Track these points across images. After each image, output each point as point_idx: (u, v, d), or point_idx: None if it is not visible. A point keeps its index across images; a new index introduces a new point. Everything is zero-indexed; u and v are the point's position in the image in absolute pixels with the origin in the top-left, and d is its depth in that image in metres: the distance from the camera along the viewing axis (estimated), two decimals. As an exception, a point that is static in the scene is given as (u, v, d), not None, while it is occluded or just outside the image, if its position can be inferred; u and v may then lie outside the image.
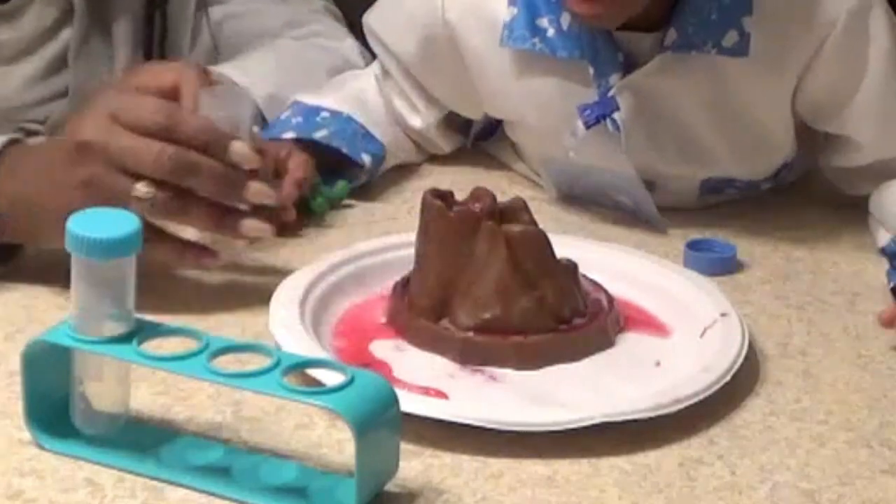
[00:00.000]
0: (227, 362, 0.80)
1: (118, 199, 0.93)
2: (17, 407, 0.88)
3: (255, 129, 1.18)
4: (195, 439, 0.84)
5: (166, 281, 1.06)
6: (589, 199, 1.27)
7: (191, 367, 0.78)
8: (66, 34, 1.31)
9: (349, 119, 1.29)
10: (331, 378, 0.79)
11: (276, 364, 0.78)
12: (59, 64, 1.31)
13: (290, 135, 1.24)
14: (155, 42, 1.35)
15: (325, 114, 1.28)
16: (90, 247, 0.79)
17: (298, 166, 1.20)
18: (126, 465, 0.81)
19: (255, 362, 0.80)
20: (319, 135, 1.25)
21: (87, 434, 0.83)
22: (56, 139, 0.98)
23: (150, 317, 0.98)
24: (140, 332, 0.81)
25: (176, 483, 0.80)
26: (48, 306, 1.00)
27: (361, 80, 1.35)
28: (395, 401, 0.78)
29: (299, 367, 0.80)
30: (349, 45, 1.43)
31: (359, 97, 1.33)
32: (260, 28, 1.41)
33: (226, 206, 0.99)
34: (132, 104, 0.97)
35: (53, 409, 0.83)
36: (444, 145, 1.38)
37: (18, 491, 0.79)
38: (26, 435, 0.84)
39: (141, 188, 0.95)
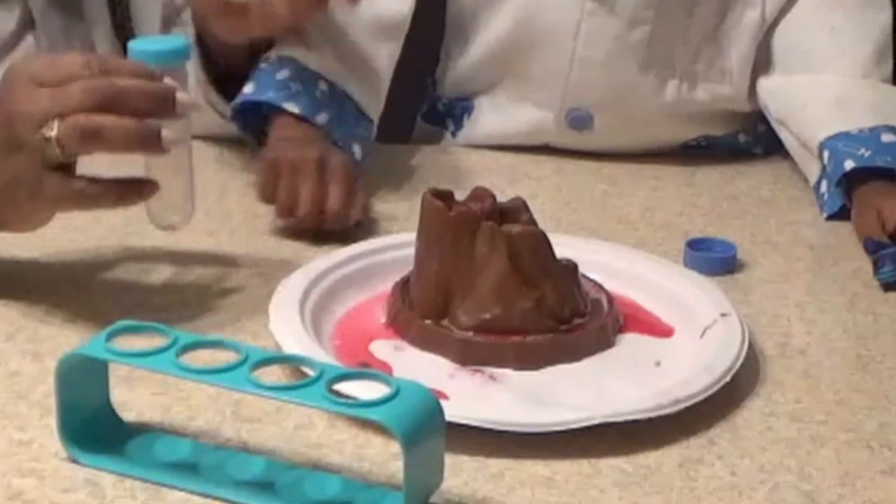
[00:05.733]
0: (268, 374, 0.79)
1: (37, 153, 0.90)
2: (18, 407, 0.88)
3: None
4: (234, 453, 0.83)
5: (166, 281, 1.07)
6: None
7: (232, 379, 0.77)
8: (21, 47, 1.30)
9: (345, 97, 1.25)
10: (368, 390, 0.78)
11: (320, 376, 0.77)
12: None
13: (293, 108, 1.21)
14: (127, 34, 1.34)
15: (323, 86, 1.24)
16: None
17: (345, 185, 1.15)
18: (163, 479, 0.80)
19: (295, 373, 0.80)
20: (322, 119, 1.22)
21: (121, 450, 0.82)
22: None
23: (149, 318, 0.98)
24: (177, 343, 0.79)
25: (219, 498, 0.79)
26: (48, 305, 1.00)
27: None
28: (440, 411, 0.77)
29: (343, 378, 0.78)
30: None
31: (348, 53, 1.29)
32: None
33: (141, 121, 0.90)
34: (53, 63, 0.92)
35: (87, 423, 0.82)
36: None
37: (18, 491, 0.79)
38: (26, 435, 0.84)
39: (47, 130, 0.89)
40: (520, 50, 1.36)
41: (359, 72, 1.29)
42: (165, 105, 0.91)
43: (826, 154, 1.27)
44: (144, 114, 0.90)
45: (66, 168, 0.92)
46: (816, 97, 1.32)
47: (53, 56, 0.94)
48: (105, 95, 0.89)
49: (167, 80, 0.92)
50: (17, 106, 0.91)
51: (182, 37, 1.00)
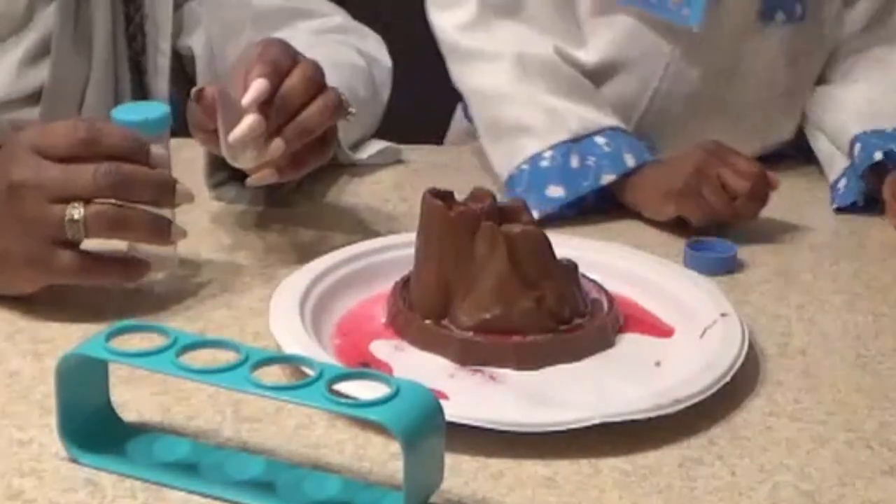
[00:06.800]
0: (269, 374, 0.79)
1: (53, 228, 0.94)
2: (18, 407, 0.88)
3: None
4: (234, 453, 0.83)
5: (166, 282, 1.06)
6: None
7: (232, 379, 0.77)
8: (40, 24, 1.30)
9: (618, 131, 1.26)
10: (368, 390, 0.78)
11: (320, 376, 0.77)
12: (33, 58, 1.31)
13: (608, 177, 1.22)
14: (130, 39, 1.34)
15: (599, 139, 1.25)
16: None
17: None
18: (163, 479, 0.80)
19: (295, 373, 0.81)
20: (631, 161, 1.23)
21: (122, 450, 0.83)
22: None
23: (149, 318, 0.98)
24: (177, 343, 0.80)
25: (219, 498, 0.79)
26: (48, 306, 1.00)
27: (551, 65, 1.29)
28: (440, 411, 0.77)
29: (343, 378, 0.78)
30: (373, 39, 1.40)
31: (588, 88, 1.30)
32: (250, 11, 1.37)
33: (156, 213, 0.99)
34: (48, 132, 0.96)
35: (87, 423, 0.83)
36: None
37: (18, 491, 0.79)
38: (26, 435, 0.85)
39: (72, 211, 0.94)
40: (607, 74, 1.33)
41: (603, 106, 1.29)
42: (167, 195, 0.98)
43: (857, 146, 1.28)
44: (148, 202, 0.97)
45: (72, 243, 0.96)
46: (853, 97, 1.34)
47: (45, 124, 0.98)
48: (115, 182, 0.95)
49: (153, 148, 0.98)
50: (21, 176, 0.95)
51: (161, 105, 1.04)
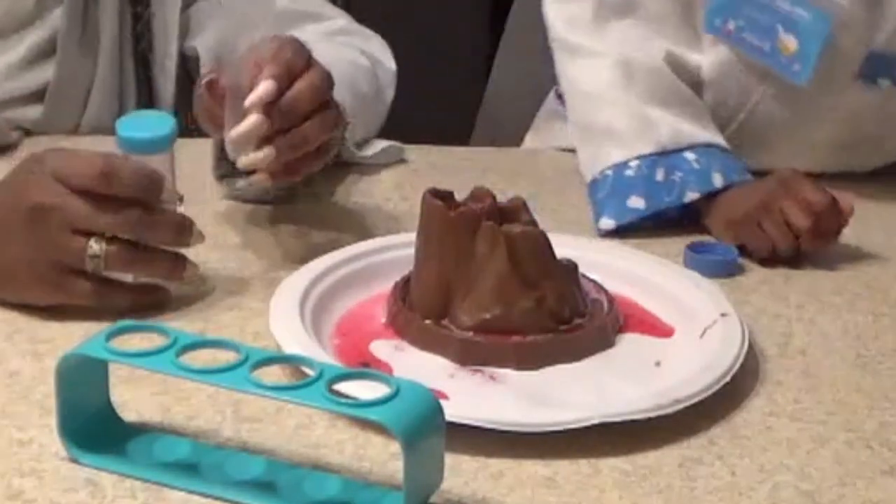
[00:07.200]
0: (269, 374, 0.79)
1: (73, 258, 0.96)
2: (18, 407, 0.88)
3: None
4: (234, 453, 0.83)
5: (166, 282, 1.06)
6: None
7: (232, 379, 0.78)
8: (47, 25, 1.30)
9: (713, 148, 1.23)
10: (368, 390, 0.78)
11: (320, 376, 0.78)
12: (37, 56, 1.31)
13: (693, 195, 1.19)
14: (137, 40, 1.34)
15: (689, 155, 1.22)
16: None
17: None
18: (163, 479, 0.80)
19: (295, 373, 0.81)
20: (719, 181, 1.20)
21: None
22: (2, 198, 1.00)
23: (149, 318, 0.98)
24: (177, 343, 0.80)
25: (219, 498, 0.79)
26: (47, 307, 1.00)
27: (659, 68, 1.25)
28: (440, 411, 0.77)
29: (343, 378, 0.79)
30: (377, 43, 1.40)
31: (690, 98, 1.26)
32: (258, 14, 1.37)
33: (174, 252, 1.01)
34: (69, 162, 0.98)
35: (87, 423, 0.83)
36: None
37: (18, 491, 0.79)
38: (26, 435, 0.85)
39: (94, 245, 0.96)
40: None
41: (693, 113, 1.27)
42: (184, 237, 1.00)
43: None
44: (168, 244, 1.00)
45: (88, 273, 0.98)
46: None
47: (65, 152, 1.00)
48: (138, 226, 0.98)
49: (158, 163, 1.01)
50: (46, 200, 0.96)
51: (167, 118, 1.05)
